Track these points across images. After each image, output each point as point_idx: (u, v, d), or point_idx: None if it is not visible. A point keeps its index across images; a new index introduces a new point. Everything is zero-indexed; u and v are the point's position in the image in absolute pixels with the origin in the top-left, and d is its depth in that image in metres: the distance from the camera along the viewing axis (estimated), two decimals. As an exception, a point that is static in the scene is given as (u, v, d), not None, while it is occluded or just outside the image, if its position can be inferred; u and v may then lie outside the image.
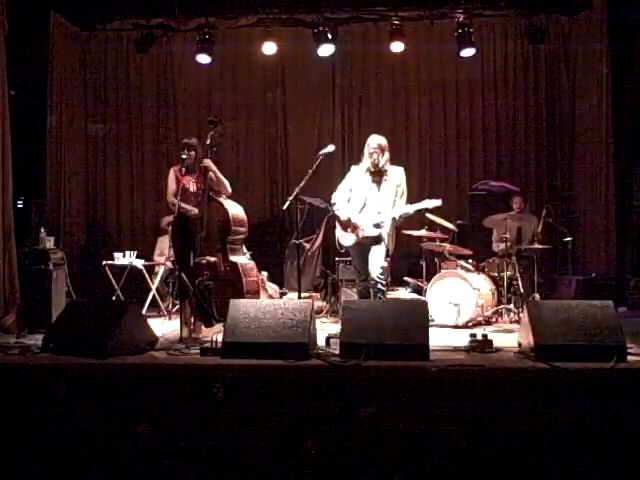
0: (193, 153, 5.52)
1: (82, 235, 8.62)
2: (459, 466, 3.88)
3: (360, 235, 5.56)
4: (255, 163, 8.88)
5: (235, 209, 5.55)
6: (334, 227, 5.86)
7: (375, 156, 5.52)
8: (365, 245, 5.58)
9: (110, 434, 4.04)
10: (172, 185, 5.57)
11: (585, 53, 8.15)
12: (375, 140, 5.57)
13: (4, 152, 6.29)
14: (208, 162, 5.46)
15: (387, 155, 5.57)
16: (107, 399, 4.09)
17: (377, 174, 5.58)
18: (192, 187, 5.52)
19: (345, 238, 5.67)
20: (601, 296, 5.79)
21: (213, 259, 5.36)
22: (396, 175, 5.59)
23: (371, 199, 5.57)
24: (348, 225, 5.62)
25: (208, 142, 5.46)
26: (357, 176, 5.64)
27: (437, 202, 5.51)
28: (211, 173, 5.48)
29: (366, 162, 5.58)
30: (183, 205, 5.38)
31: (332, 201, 5.73)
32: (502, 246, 6.75)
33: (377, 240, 5.51)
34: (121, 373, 4.22)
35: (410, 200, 5.65)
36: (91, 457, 4.04)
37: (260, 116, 8.91)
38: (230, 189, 5.61)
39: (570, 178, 8.47)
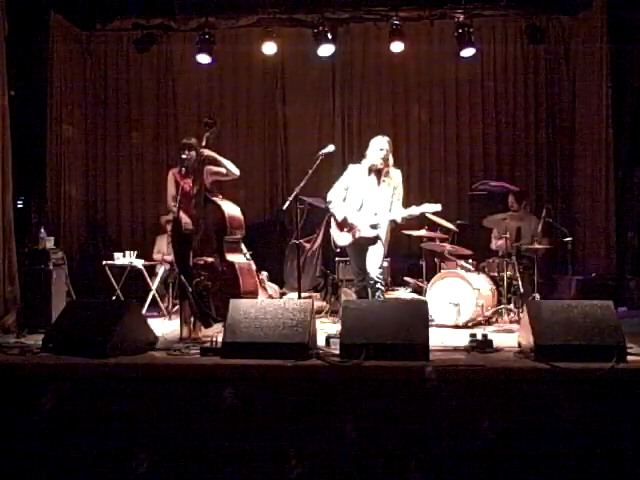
0: (193, 152, 5.52)
1: (82, 235, 8.62)
2: (458, 465, 3.89)
3: (356, 235, 5.55)
4: (255, 163, 8.87)
5: (232, 209, 5.54)
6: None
7: (385, 153, 5.51)
8: (362, 245, 5.57)
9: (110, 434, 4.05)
10: (172, 189, 5.57)
11: (585, 53, 8.15)
12: (385, 139, 5.56)
13: (4, 152, 6.28)
14: (207, 151, 5.46)
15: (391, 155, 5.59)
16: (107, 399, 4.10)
17: (378, 174, 5.56)
18: (192, 189, 5.52)
19: (341, 238, 5.66)
20: (601, 296, 5.78)
21: (211, 259, 5.35)
22: (395, 177, 5.59)
23: (369, 199, 5.55)
24: (344, 225, 5.61)
25: (204, 144, 5.46)
26: (356, 176, 5.62)
27: (437, 207, 5.49)
28: (210, 167, 5.48)
29: (370, 162, 5.55)
30: (180, 216, 5.37)
31: (328, 199, 5.70)
32: (500, 243, 6.77)
33: (374, 240, 5.51)
34: (121, 373, 4.22)
35: (409, 200, 5.64)
36: (89, 457, 4.04)
37: (260, 116, 8.92)
38: (237, 171, 5.60)
39: (570, 178, 8.46)
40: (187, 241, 5.39)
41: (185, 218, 5.42)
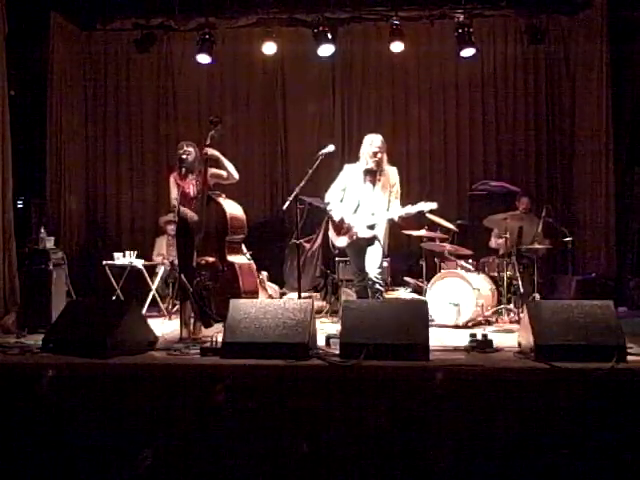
0: (192, 150, 5.51)
1: (82, 235, 8.62)
2: (458, 465, 3.89)
3: (354, 237, 5.53)
4: (255, 163, 8.87)
5: (234, 209, 5.54)
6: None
7: (379, 155, 5.49)
8: (361, 245, 5.55)
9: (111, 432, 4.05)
10: (174, 191, 5.54)
11: (585, 53, 8.15)
12: (379, 139, 5.53)
13: (4, 152, 6.29)
14: (211, 150, 5.43)
15: (385, 154, 5.58)
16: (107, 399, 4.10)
17: (373, 174, 5.54)
18: (192, 190, 5.50)
19: (339, 240, 5.64)
20: (601, 296, 5.78)
21: (212, 259, 5.35)
22: (391, 175, 5.57)
23: (365, 200, 5.53)
24: (341, 226, 5.59)
25: (208, 142, 5.44)
26: (352, 176, 5.60)
27: (433, 205, 5.47)
28: (212, 170, 5.47)
29: (365, 162, 5.53)
30: (183, 210, 5.37)
31: (325, 200, 5.69)
32: (500, 242, 6.79)
33: (372, 240, 5.50)
34: (121, 373, 4.22)
35: (409, 200, 5.64)
36: (91, 457, 4.04)
37: (260, 116, 8.91)
38: (237, 174, 5.58)
39: (570, 178, 8.46)
40: (190, 240, 5.38)
41: (190, 212, 5.41)
